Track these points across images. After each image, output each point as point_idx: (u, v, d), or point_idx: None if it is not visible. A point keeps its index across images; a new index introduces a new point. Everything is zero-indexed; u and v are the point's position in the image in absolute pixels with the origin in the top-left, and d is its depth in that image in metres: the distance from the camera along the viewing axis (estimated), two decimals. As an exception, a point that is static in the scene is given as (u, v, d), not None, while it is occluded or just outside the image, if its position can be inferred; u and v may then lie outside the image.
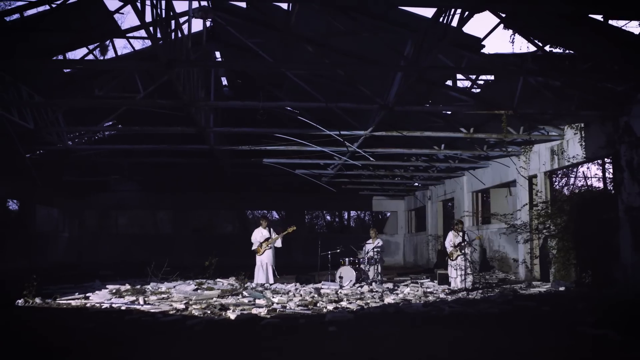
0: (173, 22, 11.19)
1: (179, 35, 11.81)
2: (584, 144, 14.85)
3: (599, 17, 10.18)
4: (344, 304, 11.14)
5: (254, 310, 9.97)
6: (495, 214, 21.50)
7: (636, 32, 10.75)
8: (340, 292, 13.17)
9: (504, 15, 10.96)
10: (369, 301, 11.61)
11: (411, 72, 11.80)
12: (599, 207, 14.30)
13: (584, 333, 7.75)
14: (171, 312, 10.03)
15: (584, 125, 14.83)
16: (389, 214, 35.96)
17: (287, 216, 35.41)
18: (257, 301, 11.29)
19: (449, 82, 15.30)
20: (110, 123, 18.87)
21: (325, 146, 17.71)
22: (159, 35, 10.40)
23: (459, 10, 9.42)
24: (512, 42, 13.75)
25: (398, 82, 12.82)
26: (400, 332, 8.21)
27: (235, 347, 7.25)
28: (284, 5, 12.71)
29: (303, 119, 15.97)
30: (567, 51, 12.48)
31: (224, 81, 20.60)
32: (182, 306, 10.60)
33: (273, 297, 11.88)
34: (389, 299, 11.79)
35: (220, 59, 18.07)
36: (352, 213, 42.87)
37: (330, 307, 10.68)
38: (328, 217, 45.13)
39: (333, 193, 28.12)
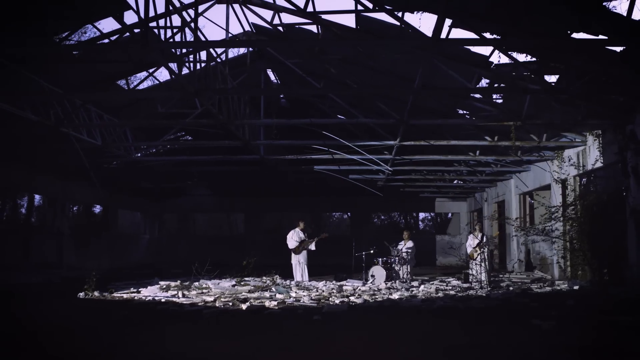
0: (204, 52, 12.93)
1: (212, 63, 13.57)
2: (601, 150, 15.52)
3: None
4: (352, 298, 12.50)
5: (267, 303, 11.50)
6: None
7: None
8: (359, 289, 14.52)
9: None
10: (377, 296, 12.90)
11: (418, 91, 13.05)
12: (611, 210, 14.96)
13: (531, 323, 8.85)
14: (199, 304, 11.70)
15: (602, 132, 15.50)
16: (452, 215, 36.84)
17: (352, 218, 36.77)
18: (277, 295, 12.85)
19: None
20: (174, 136, 21.00)
21: (371, 154, 19.09)
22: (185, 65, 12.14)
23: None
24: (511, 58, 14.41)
25: (411, 100, 14.14)
26: (374, 322, 9.56)
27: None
28: (314, 28, 14.17)
29: (327, 133, 17.36)
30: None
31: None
32: (211, 299, 12.25)
33: (294, 292, 13.40)
34: (396, 295, 13.04)
35: (274, 78, 19.74)
36: (421, 215, 44.05)
37: (338, 301, 12.07)
38: (398, 218, 46.28)
39: (399, 195, 29.46)
